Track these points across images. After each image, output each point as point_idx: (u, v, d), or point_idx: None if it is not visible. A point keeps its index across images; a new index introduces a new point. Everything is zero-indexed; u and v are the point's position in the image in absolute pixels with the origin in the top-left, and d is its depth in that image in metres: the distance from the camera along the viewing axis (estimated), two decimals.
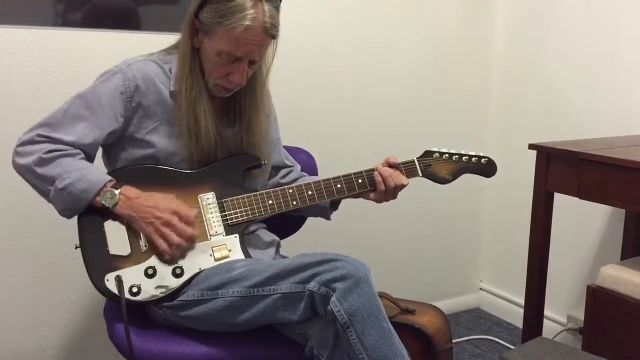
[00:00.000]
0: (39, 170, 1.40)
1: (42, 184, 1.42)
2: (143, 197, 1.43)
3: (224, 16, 1.40)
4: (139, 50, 1.61)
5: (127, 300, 1.39)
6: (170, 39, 1.57)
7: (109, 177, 1.43)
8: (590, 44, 2.32)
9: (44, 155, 1.40)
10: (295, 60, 2.28)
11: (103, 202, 1.40)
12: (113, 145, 1.53)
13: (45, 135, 1.43)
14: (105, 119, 1.46)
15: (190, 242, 1.44)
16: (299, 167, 1.79)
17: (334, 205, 1.71)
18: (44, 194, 1.43)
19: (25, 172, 1.43)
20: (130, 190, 1.43)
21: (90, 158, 1.49)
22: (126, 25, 1.97)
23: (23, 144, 1.43)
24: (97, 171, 1.44)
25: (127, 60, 1.52)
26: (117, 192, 1.41)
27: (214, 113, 1.52)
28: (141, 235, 1.43)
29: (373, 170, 1.59)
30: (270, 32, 1.43)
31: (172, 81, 1.51)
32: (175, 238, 1.41)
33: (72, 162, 1.42)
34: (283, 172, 1.75)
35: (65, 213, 1.43)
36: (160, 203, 1.42)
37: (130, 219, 1.42)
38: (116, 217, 1.43)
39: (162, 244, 1.41)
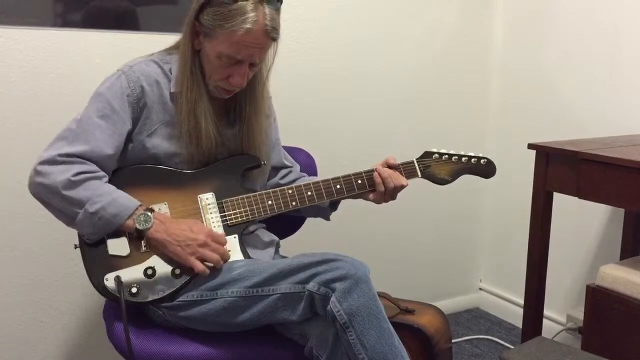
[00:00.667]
0: (67, 192, 1.38)
1: (67, 207, 1.39)
2: (175, 221, 1.44)
3: (224, 19, 1.39)
4: (139, 51, 1.61)
5: (126, 300, 1.39)
6: (169, 39, 1.57)
7: (139, 202, 1.42)
8: (589, 44, 2.32)
9: (72, 178, 1.38)
10: (294, 60, 2.28)
11: (137, 225, 1.39)
12: None
13: (66, 153, 1.40)
14: (121, 123, 1.46)
15: (225, 260, 1.45)
16: (298, 167, 1.79)
17: (333, 205, 1.71)
18: (68, 216, 1.40)
19: (47, 192, 1.39)
20: (162, 215, 1.44)
21: (110, 169, 1.47)
22: (125, 25, 1.97)
23: (44, 163, 1.40)
24: (127, 195, 1.42)
25: (128, 63, 1.51)
26: (151, 215, 1.40)
27: (214, 115, 1.52)
28: (179, 260, 1.43)
29: (372, 171, 1.59)
30: (271, 35, 1.43)
31: (172, 82, 1.51)
32: (214, 257, 1.41)
33: (101, 185, 1.41)
34: (282, 172, 1.75)
35: (92, 237, 1.42)
36: (192, 226, 1.43)
37: (163, 243, 1.41)
38: None
39: (199, 265, 1.40)
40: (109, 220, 1.38)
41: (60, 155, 1.40)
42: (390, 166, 1.60)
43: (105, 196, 1.39)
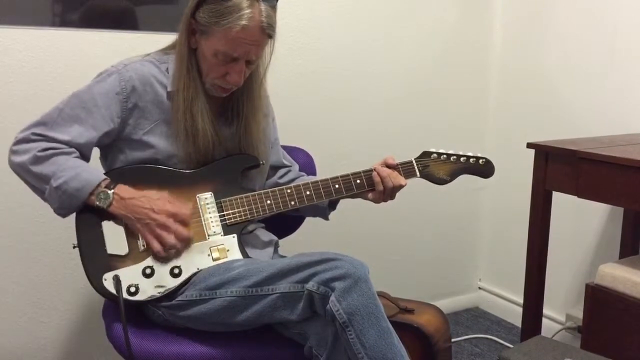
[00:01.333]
0: (34, 168, 1.40)
1: (37, 183, 1.42)
2: (138, 197, 1.42)
3: (220, 16, 1.39)
4: (137, 50, 1.61)
5: (125, 300, 1.39)
6: (167, 38, 1.57)
7: (104, 176, 1.43)
8: (588, 43, 2.32)
9: (38, 154, 1.40)
10: (294, 59, 2.28)
11: (97, 202, 1.40)
12: (110, 147, 1.53)
13: (41, 133, 1.43)
14: (101, 119, 1.46)
15: (185, 244, 1.45)
16: (297, 166, 1.79)
17: (332, 205, 1.71)
18: (40, 192, 1.43)
19: (20, 170, 1.43)
20: (124, 190, 1.43)
21: (85, 157, 1.48)
22: (124, 25, 1.97)
23: (18, 142, 1.44)
24: (92, 170, 1.43)
25: (123, 61, 1.51)
26: (110, 192, 1.41)
27: (211, 113, 1.52)
28: (139, 235, 1.43)
29: (371, 170, 1.59)
30: (267, 31, 1.43)
31: (169, 81, 1.51)
32: (170, 240, 1.41)
33: (67, 160, 1.42)
34: (281, 172, 1.74)
35: (60, 212, 1.43)
36: (155, 204, 1.42)
37: (125, 219, 1.42)
38: (114, 216, 1.43)
39: (156, 245, 1.41)
40: (73, 194, 1.39)
41: (34, 134, 1.43)
42: (389, 166, 1.60)
43: (69, 170, 1.40)
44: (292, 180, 1.73)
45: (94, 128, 1.46)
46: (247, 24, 1.39)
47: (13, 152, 1.44)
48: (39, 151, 1.41)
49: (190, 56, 1.48)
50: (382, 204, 1.62)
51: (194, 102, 1.48)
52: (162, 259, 1.43)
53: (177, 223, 1.42)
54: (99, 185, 1.41)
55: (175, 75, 1.49)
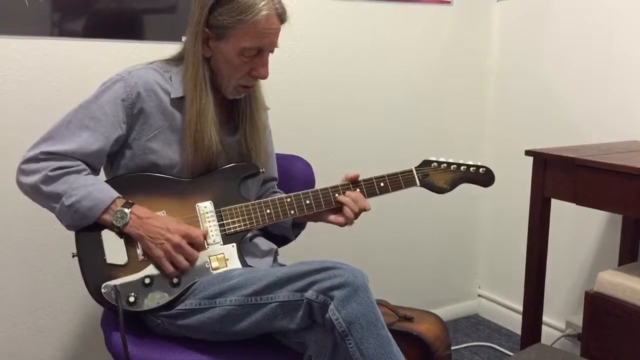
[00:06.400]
0: (45, 188, 1.40)
1: (48, 202, 1.42)
2: (154, 217, 1.43)
3: (242, 12, 1.42)
4: (136, 60, 1.62)
5: (124, 310, 1.38)
6: (167, 48, 1.58)
7: (117, 194, 1.43)
8: (586, 50, 2.33)
9: (50, 173, 1.40)
10: (291, 67, 2.28)
11: (113, 221, 1.40)
12: (115, 153, 1.53)
13: (49, 151, 1.42)
14: (110, 127, 1.47)
15: (193, 264, 1.46)
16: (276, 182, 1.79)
17: (300, 225, 1.70)
18: (50, 209, 1.43)
19: (31, 190, 1.43)
20: (141, 210, 1.43)
21: (95, 168, 1.49)
22: (124, 34, 1.97)
23: (27, 161, 1.43)
24: (104, 187, 1.43)
25: (127, 69, 1.52)
26: (128, 211, 1.41)
27: (218, 123, 1.52)
28: (138, 245, 1.43)
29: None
30: (282, 17, 1.47)
31: (173, 89, 1.52)
32: (184, 263, 1.42)
33: (78, 178, 1.42)
34: (268, 186, 1.74)
35: (72, 229, 1.44)
36: (170, 224, 1.43)
37: (138, 239, 1.42)
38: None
39: (169, 267, 1.42)
40: (85, 213, 1.40)
41: (42, 153, 1.42)
42: (354, 181, 1.59)
43: (81, 189, 1.40)
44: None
45: (105, 136, 1.46)
46: (268, 12, 1.43)
47: (22, 171, 1.43)
48: (50, 171, 1.40)
49: (204, 67, 1.49)
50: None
51: (206, 113, 1.49)
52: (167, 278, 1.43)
53: (188, 245, 1.43)
54: (113, 203, 1.41)
55: (189, 88, 1.49)
